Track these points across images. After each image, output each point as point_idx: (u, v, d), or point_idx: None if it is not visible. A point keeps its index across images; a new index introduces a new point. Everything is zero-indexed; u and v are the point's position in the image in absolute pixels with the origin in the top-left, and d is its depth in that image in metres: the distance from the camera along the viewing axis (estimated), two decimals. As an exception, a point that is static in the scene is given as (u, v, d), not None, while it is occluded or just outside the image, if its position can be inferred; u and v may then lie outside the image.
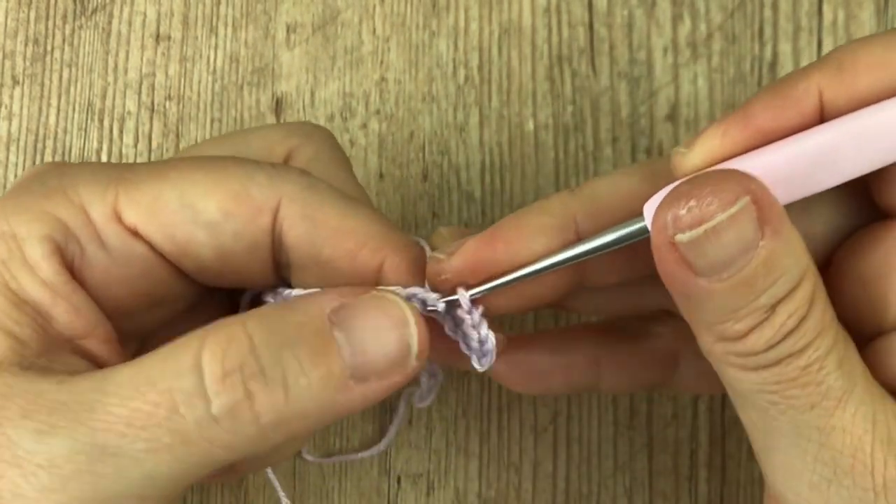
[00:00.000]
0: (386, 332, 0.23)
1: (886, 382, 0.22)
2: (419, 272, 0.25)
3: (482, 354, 0.25)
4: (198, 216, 0.24)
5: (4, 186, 0.38)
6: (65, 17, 0.38)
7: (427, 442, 0.35)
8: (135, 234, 0.24)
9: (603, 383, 0.29)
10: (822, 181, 0.22)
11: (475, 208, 0.36)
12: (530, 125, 0.36)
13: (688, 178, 0.21)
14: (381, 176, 0.36)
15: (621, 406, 0.34)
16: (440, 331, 0.26)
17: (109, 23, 0.38)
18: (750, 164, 0.22)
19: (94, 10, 0.38)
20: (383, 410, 0.35)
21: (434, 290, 0.25)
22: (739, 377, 0.22)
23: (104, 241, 0.24)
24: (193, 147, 0.30)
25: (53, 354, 0.23)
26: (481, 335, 0.25)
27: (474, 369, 0.26)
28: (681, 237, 0.20)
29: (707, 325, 0.22)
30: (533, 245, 0.24)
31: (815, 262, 0.22)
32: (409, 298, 0.24)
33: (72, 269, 0.24)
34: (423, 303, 0.25)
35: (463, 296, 0.25)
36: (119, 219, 0.24)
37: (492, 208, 0.35)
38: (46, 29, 0.38)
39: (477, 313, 0.25)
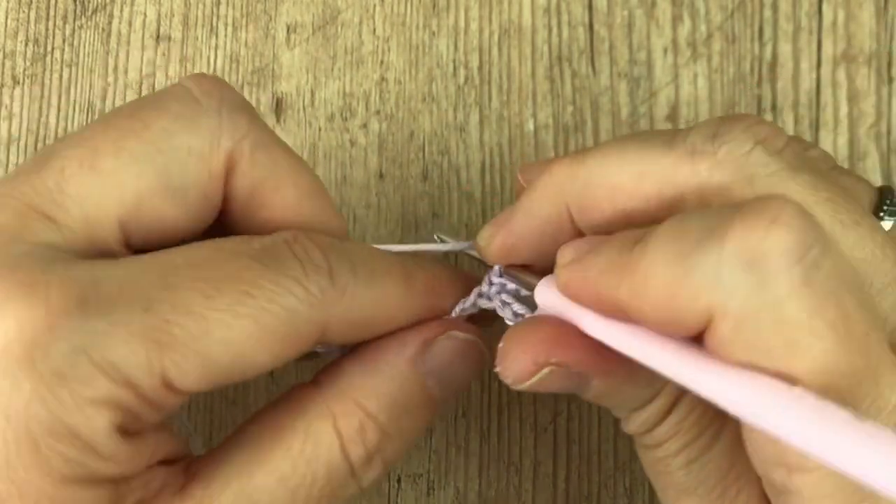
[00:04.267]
0: (468, 367, 0.26)
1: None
2: (448, 303, 0.27)
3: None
4: (250, 370, 0.23)
5: (4, 186, 0.38)
6: (65, 17, 0.38)
7: (427, 442, 0.35)
8: (188, 392, 0.22)
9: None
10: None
11: (475, 208, 0.36)
12: (530, 125, 0.36)
13: (512, 329, 0.23)
14: (381, 176, 0.36)
15: (621, 406, 0.34)
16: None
17: (109, 23, 0.38)
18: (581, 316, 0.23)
19: (95, 11, 0.38)
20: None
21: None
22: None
23: (159, 408, 0.22)
24: (95, 159, 0.23)
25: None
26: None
27: None
28: (512, 385, 0.23)
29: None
30: (543, 244, 0.26)
31: None
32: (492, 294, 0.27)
33: (131, 436, 0.22)
34: (515, 294, 0.26)
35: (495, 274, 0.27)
36: (170, 387, 0.22)
37: (492, 208, 0.35)
38: (47, 29, 0.38)
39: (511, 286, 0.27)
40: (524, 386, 0.23)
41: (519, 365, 0.22)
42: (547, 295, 0.24)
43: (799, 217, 0.18)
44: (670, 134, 0.23)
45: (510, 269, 0.26)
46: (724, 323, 0.18)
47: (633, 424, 0.24)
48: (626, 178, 0.23)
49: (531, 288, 0.25)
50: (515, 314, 0.26)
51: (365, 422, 0.24)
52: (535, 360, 0.22)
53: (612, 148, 0.24)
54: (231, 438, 0.24)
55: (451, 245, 0.29)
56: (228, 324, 0.22)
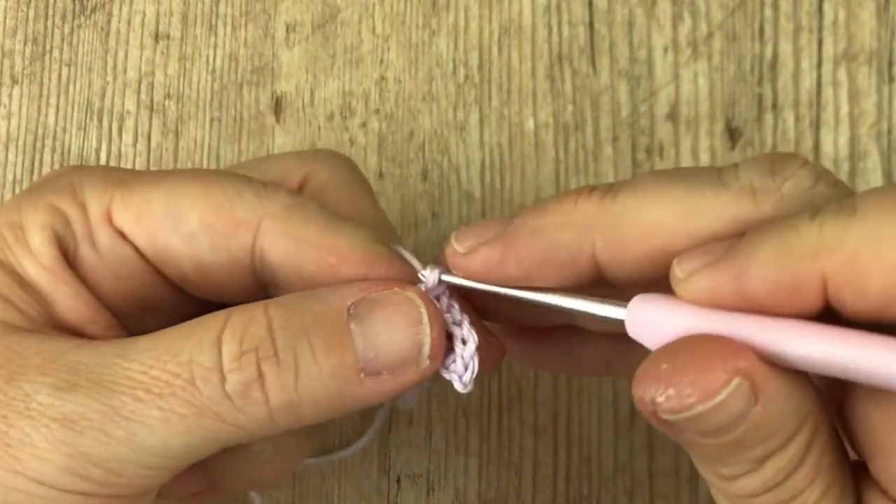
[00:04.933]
0: (401, 329, 0.23)
1: None
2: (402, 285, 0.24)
3: (463, 366, 0.24)
4: (178, 225, 0.24)
5: (4, 186, 0.38)
6: (64, 16, 0.38)
7: (427, 442, 0.35)
8: (122, 236, 0.25)
9: (616, 373, 0.29)
10: (815, 370, 0.20)
11: (475, 208, 0.36)
12: (530, 124, 0.35)
13: (668, 348, 0.20)
14: (381, 175, 0.36)
15: (622, 407, 0.34)
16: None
17: (108, 22, 0.38)
18: (738, 326, 0.20)
19: (94, 9, 0.38)
20: (384, 410, 0.35)
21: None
22: None
23: (94, 240, 0.25)
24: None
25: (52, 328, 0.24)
26: (462, 333, 0.24)
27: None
28: (666, 416, 0.19)
29: (697, 458, 0.21)
30: (545, 271, 0.23)
31: (820, 395, 0.20)
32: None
33: (67, 261, 0.25)
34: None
35: (432, 274, 0.24)
36: (110, 219, 0.25)
37: (492, 208, 0.35)
38: (45, 28, 0.38)
39: (455, 308, 0.24)
40: (704, 407, 0.19)
41: (707, 379, 0.19)
42: (664, 315, 0.21)
43: None
44: (715, 171, 0.22)
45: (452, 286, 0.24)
46: None
47: (760, 478, 0.20)
48: (670, 216, 0.22)
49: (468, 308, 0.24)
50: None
51: (256, 318, 0.22)
52: (724, 368, 0.19)
53: (651, 184, 0.22)
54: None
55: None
56: (180, 181, 0.25)
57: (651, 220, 0.22)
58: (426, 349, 0.23)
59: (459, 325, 0.24)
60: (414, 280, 0.24)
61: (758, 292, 0.20)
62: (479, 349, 0.24)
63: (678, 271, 0.21)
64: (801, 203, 0.21)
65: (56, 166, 0.38)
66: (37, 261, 0.24)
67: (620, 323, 0.22)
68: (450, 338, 0.24)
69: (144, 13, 0.38)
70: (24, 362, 0.22)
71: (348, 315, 0.23)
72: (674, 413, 0.19)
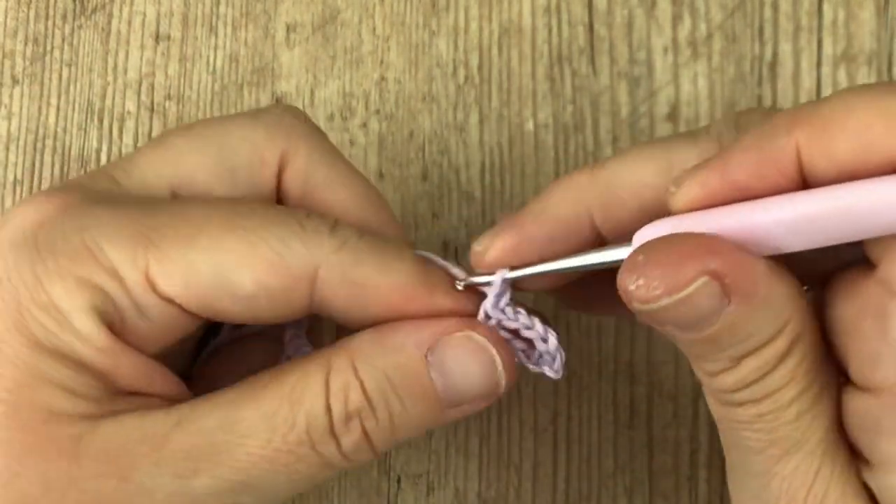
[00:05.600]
0: (477, 374, 0.25)
1: (845, 433, 0.23)
2: (464, 309, 0.26)
3: (551, 358, 0.26)
4: (234, 291, 0.24)
5: (4, 186, 0.38)
6: (64, 16, 0.38)
7: (427, 442, 0.35)
8: (170, 301, 0.24)
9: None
10: (802, 244, 0.21)
11: (475, 208, 0.36)
12: (530, 125, 0.35)
13: (649, 244, 0.21)
14: (380, 175, 0.36)
15: (621, 406, 0.34)
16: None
17: (109, 22, 0.38)
18: (728, 220, 0.21)
19: (94, 10, 0.38)
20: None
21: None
22: (712, 406, 0.23)
23: (142, 310, 0.24)
24: (165, 140, 0.27)
25: (120, 401, 0.24)
26: (539, 332, 0.26)
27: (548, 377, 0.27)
28: (637, 306, 0.21)
29: (686, 353, 0.23)
30: (553, 246, 0.25)
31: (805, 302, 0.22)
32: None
33: (115, 332, 0.24)
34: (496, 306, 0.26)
35: (499, 277, 0.26)
36: (154, 288, 0.24)
37: (492, 208, 0.35)
38: (46, 28, 0.38)
39: (522, 312, 0.26)
40: (668, 301, 0.20)
41: (674, 272, 0.20)
42: (656, 229, 0.22)
43: None
44: (690, 132, 0.25)
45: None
46: None
47: (737, 375, 0.22)
48: (650, 174, 0.24)
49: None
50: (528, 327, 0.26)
51: (352, 381, 0.24)
52: (693, 266, 0.20)
53: (632, 151, 0.25)
54: (240, 381, 0.25)
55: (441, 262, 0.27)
56: (217, 236, 0.24)
57: (634, 181, 0.24)
58: (502, 382, 0.25)
59: (531, 327, 0.26)
60: (471, 302, 0.26)
61: (742, 176, 0.21)
62: (559, 339, 0.26)
63: (671, 188, 0.22)
64: None
65: (56, 167, 0.38)
66: (91, 345, 0.23)
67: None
68: (526, 339, 0.26)
69: (145, 14, 0.38)
70: (131, 457, 0.23)
71: (426, 362, 0.25)
72: (643, 303, 0.20)
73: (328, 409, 0.24)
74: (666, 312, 0.20)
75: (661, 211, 0.23)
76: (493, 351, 0.25)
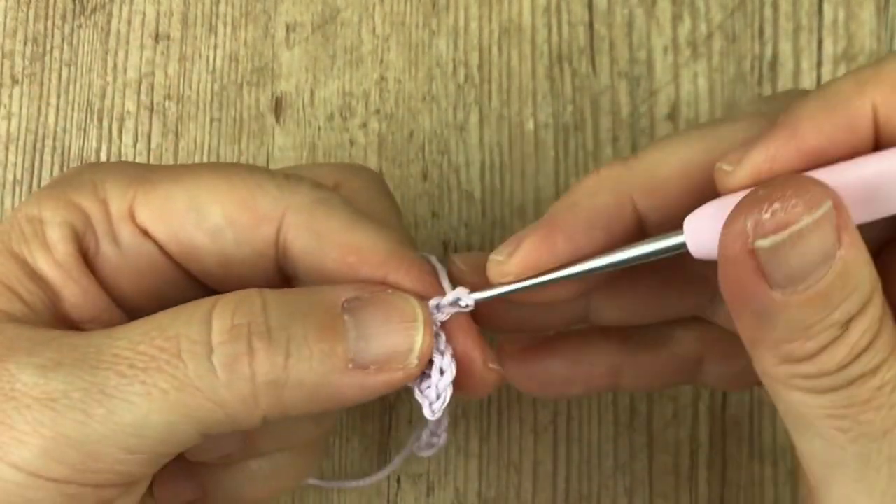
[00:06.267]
0: (393, 325, 0.23)
1: None
2: (424, 289, 0.24)
3: (436, 394, 0.25)
4: (202, 220, 0.24)
5: (4, 186, 0.38)
6: (64, 16, 0.38)
7: (427, 442, 0.35)
8: (145, 233, 0.25)
9: (622, 386, 0.29)
10: (881, 211, 0.20)
11: (475, 208, 0.36)
12: (530, 125, 0.35)
13: (759, 187, 0.20)
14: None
15: (621, 406, 0.34)
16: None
17: (109, 22, 0.38)
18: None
19: (94, 10, 0.38)
20: (384, 411, 0.35)
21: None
22: (806, 401, 0.20)
23: (117, 237, 0.25)
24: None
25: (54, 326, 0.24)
26: (442, 364, 0.24)
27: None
28: (762, 243, 0.19)
29: (774, 345, 0.20)
30: (593, 236, 0.24)
31: None
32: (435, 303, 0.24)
33: (86, 257, 0.25)
34: (438, 308, 0.24)
35: (462, 295, 0.24)
36: (133, 217, 0.25)
37: (492, 208, 0.35)
38: (45, 28, 0.38)
39: (441, 338, 0.24)
40: (807, 220, 0.19)
41: (806, 193, 0.19)
42: (721, 206, 0.21)
43: None
44: (722, 116, 0.24)
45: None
46: None
47: (852, 337, 0.20)
48: (700, 152, 0.23)
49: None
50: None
51: (251, 297, 0.23)
52: (818, 189, 0.19)
53: (672, 138, 0.24)
54: None
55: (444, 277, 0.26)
56: (201, 175, 0.24)
57: (681, 161, 0.23)
58: (417, 347, 0.23)
59: (442, 354, 0.24)
60: (432, 291, 0.24)
61: (814, 141, 0.20)
62: (453, 383, 0.24)
63: (724, 166, 0.21)
64: None
65: (56, 167, 0.38)
66: (50, 255, 0.24)
67: (681, 250, 0.22)
68: (429, 364, 0.24)
69: (144, 14, 0.38)
70: (12, 346, 0.22)
71: (343, 308, 0.23)
72: (777, 230, 0.19)
73: (207, 318, 0.22)
74: (797, 244, 0.19)
75: (710, 194, 0.22)
76: (419, 312, 0.23)
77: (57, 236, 0.24)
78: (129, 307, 0.26)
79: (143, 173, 0.25)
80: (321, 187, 0.25)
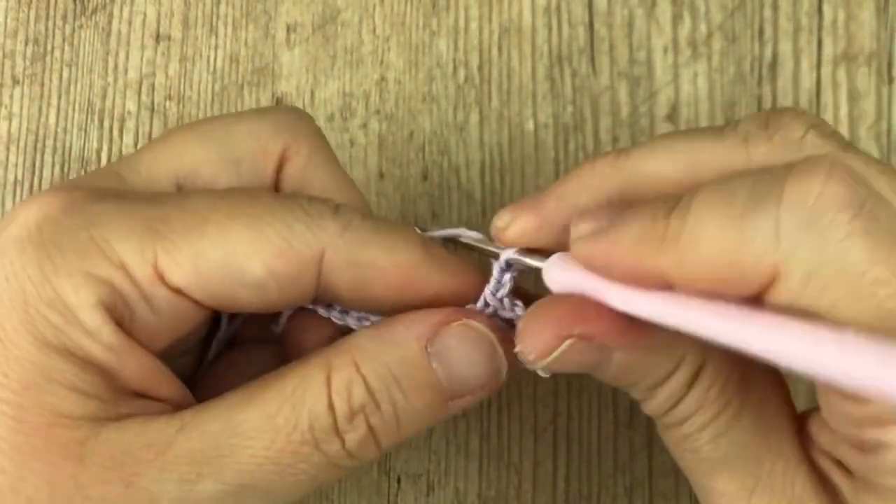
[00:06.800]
0: (479, 363, 0.25)
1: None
2: (469, 290, 0.26)
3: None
4: (244, 278, 0.24)
5: (4, 186, 0.38)
6: (65, 16, 0.38)
7: (427, 442, 0.35)
8: (179, 293, 0.24)
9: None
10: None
11: (475, 208, 0.36)
12: (530, 125, 0.36)
13: (532, 310, 0.23)
14: (381, 176, 0.36)
15: (621, 406, 0.34)
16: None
17: (109, 23, 0.38)
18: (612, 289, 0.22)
19: (94, 10, 0.38)
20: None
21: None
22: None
23: (151, 302, 0.24)
24: (170, 135, 0.27)
25: (125, 403, 0.24)
26: (506, 305, 0.26)
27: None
28: (530, 367, 0.23)
29: None
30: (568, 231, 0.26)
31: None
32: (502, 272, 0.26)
33: (122, 326, 0.24)
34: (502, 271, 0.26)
35: (504, 259, 0.26)
36: (162, 279, 0.24)
37: (492, 208, 0.35)
38: (46, 29, 0.38)
39: (519, 306, 0.26)
40: (545, 363, 0.22)
41: (541, 339, 0.22)
42: (561, 271, 0.24)
43: (849, 172, 0.19)
44: (717, 128, 0.25)
45: (521, 253, 0.26)
46: (789, 280, 0.19)
47: (655, 403, 0.24)
48: (674, 168, 0.24)
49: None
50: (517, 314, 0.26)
51: (354, 378, 0.24)
52: (557, 333, 0.22)
53: (658, 143, 0.25)
54: (242, 386, 0.25)
55: (451, 231, 0.28)
56: (224, 224, 0.24)
57: (655, 175, 0.24)
58: (503, 370, 0.25)
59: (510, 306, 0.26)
60: (475, 282, 0.26)
61: (619, 271, 0.22)
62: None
63: (572, 230, 0.23)
64: (791, 151, 0.22)
65: (57, 167, 0.38)
66: (98, 342, 0.23)
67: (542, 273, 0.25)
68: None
69: (145, 14, 0.38)
70: (136, 462, 0.22)
71: (427, 353, 0.25)
72: (528, 363, 0.23)
73: (331, 406, 0.24)
74: (553, 367, 0.23)
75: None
76: (493, 337, 0.25)
77: (96, 321, 0.23)
78: (164, 356, 0.25)
79: (151, 225, 0.23)
80: (338, 209, 0.25)
